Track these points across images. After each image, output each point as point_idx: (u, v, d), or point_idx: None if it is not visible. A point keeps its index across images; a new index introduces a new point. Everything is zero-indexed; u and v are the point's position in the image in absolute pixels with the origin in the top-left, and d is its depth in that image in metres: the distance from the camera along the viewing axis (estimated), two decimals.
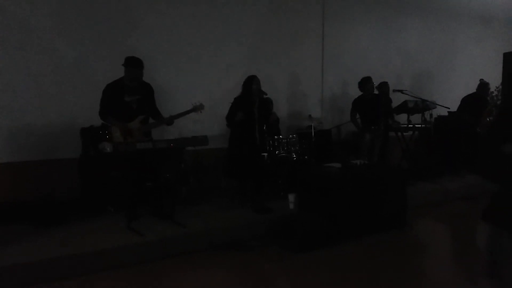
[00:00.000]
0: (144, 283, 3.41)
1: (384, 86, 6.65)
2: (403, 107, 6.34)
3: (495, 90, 8.12)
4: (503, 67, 7.11)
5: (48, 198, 4.45)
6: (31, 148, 4.88)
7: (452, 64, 8.72)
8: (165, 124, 4.45)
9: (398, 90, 6.29)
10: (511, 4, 9.37)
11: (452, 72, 8.67)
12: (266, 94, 5.04)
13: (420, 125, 6.50)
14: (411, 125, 6.38)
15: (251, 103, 4.86)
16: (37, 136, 4.92)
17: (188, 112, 4.44)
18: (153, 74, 4.87)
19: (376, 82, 6.28)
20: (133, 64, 4.22)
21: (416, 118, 6.57)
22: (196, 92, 5.59)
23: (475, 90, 7.10)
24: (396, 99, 6.58)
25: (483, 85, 6.99)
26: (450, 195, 5.95)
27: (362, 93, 6.24)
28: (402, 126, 6.46)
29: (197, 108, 4.48)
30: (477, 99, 6.93)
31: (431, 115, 6.67)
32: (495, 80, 7.64)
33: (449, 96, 7.79)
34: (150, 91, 4.50)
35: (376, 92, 6.33)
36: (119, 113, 4.23)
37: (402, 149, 6.57)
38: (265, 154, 5.13)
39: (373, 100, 6.21)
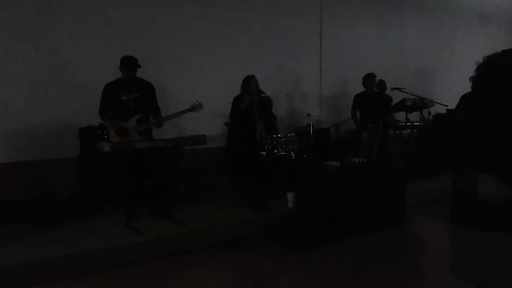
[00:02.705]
0: (143, 281, 3.41)
1: (380, 84, 6.65)
2: (401, 105, 6.34)
3: None
4: None
5: (46, 197, 4.44)
6: (29, 148, 4.88)
7: (450, 62, 8.72)
8: (155, 126, 4.42)
9: (396, 88, 6.29)
10: (509, 1, 9.39)
11: (450, 70, 8.66)
12: (264, 93, 5.05)
13: (418, 123, 6.51)
14: (410, 123, 6.39)
15: (250, 102, 4.88)
16: (35, 136, 4.91)
17: (186, 111, 4.43)
18: (152, 73, 4.87)
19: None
20: (122, 62, 4.23)
21: (414, 116, 6.58)
22: (194, 91, 5.56)
23: None
24: (394, 97, 6.59)
25: None
26: (448, 193, 5.95)
27: (364, 89, 6.25)
28: (401, 124, 6.47)
29: (195, 108, 4.46)
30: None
31: (429, 113, 6.67)
32: None
33: (447, 93, 7.79)
34: (151, 89, 4.49)
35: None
36: (116, 112, 4.24)
37: (400, 147, 6.58)
38: (264, 153, 5.13)
39: (373, 97, 6.22)
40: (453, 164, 1.90)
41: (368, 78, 6.19)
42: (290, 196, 4.76)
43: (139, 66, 4.30)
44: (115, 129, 4.16)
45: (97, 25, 5.21)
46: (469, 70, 2.05)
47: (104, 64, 5.05)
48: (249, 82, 4.86)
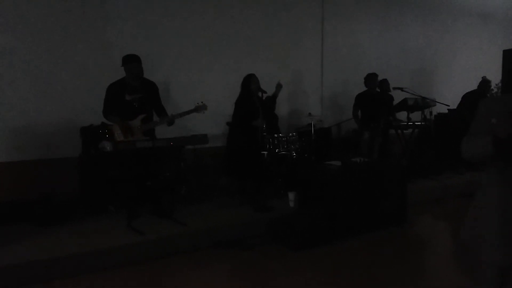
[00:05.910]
0: (145, 282, 3.42)
1: (383, 83, 6.65)
2: (403, 105, 6.33)
3: (495, 87, 8.11)
4: (503, 65, 7.10)
5: (48, 197, 4.45)
6: (31, 147, 4.88)
7: (452, 62, 8.71)
8: (166, 124, 4.44)
9: (398, 88, 6.28)
10: (510, 1, 9.37)
11: (451, 70, 8.66)
12: (266, 93, 5.05)
13: (420, 123, 6.50)
14: (411, 123, 6.38)
15: (251, 102, 4.89)
16: (37, 135, 4.92)
17: (190, 111, 4.43)
18: (154, 73, 4.87)
19: None
20: (131, 59, 4.23)
21: (416, 115, 6.57)
22: (196, 91, 5.59)
23: (475, 87, 7.08)
24: (396, 97, 6.59)
25: (484, 82, 6.97)
26: (450, 192, 5.96)
27: (366, 88, 6.25)
28: (402, 123, 6.46)
29: (200, 108, 4.46)
30: (477, 96, 6.91)
31: (431, 112, 6.66)
32: (495, 77, 7.63)
33: (448, 93, 7.78)
34: (154, 89, 4.50)
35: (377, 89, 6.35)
36: (120, 112, 4.24)
37: (402, 146, 6.57)
38: (265, 152, 5.13)
39: (375, 97, 6.22)
40: None
41: (370, 78, 6.21)
42: (291, 195, 4.76)
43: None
44: (121, 127, 4.16)
45: (99, 24, 5.22)
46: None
47: (106, 64, 5.06)
48: (249, 81, 4.87)
